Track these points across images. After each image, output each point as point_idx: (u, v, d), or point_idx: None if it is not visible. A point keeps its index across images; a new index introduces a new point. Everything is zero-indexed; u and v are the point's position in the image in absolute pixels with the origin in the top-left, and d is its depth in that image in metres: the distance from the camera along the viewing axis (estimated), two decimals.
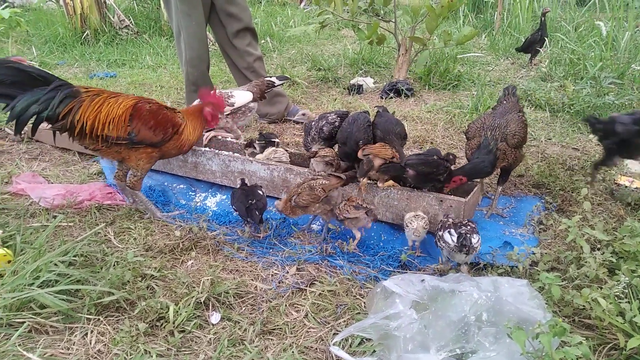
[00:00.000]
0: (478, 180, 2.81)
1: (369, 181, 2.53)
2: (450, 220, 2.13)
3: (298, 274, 2.21)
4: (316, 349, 1.77)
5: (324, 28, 5.46)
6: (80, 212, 2.69)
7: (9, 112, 2.32)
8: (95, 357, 1.74)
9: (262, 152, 2.99)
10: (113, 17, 7.82)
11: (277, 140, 3.10)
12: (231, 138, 3.27)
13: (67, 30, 7.51)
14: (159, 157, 2.64)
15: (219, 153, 2.96)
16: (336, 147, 2.85)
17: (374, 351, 1.64)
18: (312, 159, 2.71)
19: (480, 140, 2.53)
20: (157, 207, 2.73)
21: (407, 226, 2.27)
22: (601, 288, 1.76)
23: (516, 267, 2.04)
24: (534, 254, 2.08)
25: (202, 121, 2.68)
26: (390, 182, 2.52)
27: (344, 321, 1.89)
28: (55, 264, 2.03)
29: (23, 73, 2.34)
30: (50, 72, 2.49)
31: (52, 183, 3.02)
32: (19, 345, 1.75)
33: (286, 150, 2.98)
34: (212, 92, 2.70)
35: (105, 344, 1.79)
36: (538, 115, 4.22)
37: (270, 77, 3.40)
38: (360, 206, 2.33)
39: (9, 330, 1.81)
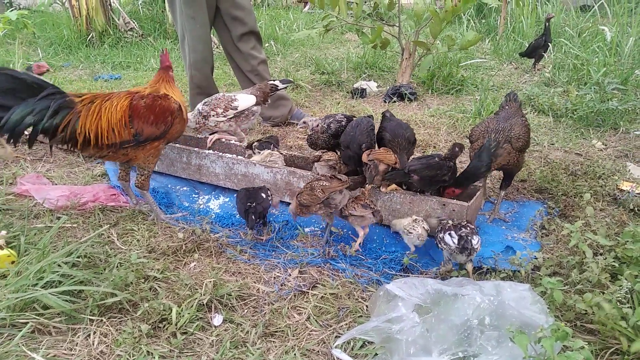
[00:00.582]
0: (480, 184, 2.82)
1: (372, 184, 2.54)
2: (450, 222, 2.14)
3: (300, 276, 2.21)
4: (318, 351, 1.77)
5: (328, 32, 5.47)
6: (84, 213, 2.70)
7: (3, 125, 2.24)
8: (98, 358, 1.75)
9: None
10: (118, 20, 7.87)
11: (272, 143, 3.10)
12: (235, 141, 3.28)
13: (73, 32, 7.55)
14: (165, 146, 2.67)
15: (222, 156, 2.98)
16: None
17: (376, 354, 1.64)
18: (315, 163, 2.71)
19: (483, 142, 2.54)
20: (160, 209, 2.74)
21: (410, 233, 2.27)
22: (603, 293, 1.76)
23: (518, 271, 2.04)
24: (536, 258, 2.09)
25: (173, 82, 2.70)
26: (393, 185, 2.53)
27: (346, 324, 1.89)
28: (59, 265, 2.05)
29: (17, 80, 2.28)
30: (44, 79, 2.45)
31: (56, 184, 3.04)
32: (23, 345, 1.76)
33: (281, 154, 2.98)
34: (167, 55, 2.73)
35: (108, 345, 1.79)
36: (541, 120, 4.22)
37: (274, 80, 3.42)
38: (368, 205, 2.34)
39: (13, 330, 1.82)
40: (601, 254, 2.07)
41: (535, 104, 4.53)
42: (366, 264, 2.30)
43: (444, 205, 2.40)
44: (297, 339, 1.83)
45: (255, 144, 3.06)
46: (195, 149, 3.08)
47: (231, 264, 2.31)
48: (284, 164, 2.92)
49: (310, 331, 1.87)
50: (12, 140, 2.29)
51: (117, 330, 1.86)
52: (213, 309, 1.97)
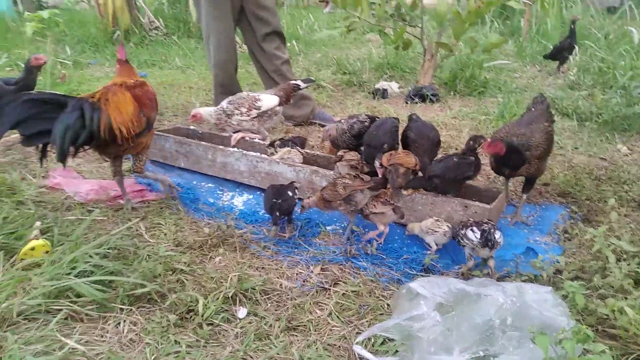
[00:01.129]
0: (503, 186, 2.83)
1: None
2: (471, 219, 2.18)
3: (322, 273, 2.26)
4: (339, 347, 1.81)
5: (350, 32, 5.51)
6: (113, 207, 2.79)
7: (56, 149, 2.30)
8: (128, 346, 1.81)
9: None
10: (143, 19, 8.03)
11: (294, 142, 3.15)
12: (258, 139, 3.34)
13: (99, 30, 7.73)
14: None
15: (246, 154, 3.04)
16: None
17: (397, 351, 1.67)
18: (337, 163, 2.75)
19: None
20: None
21: (436, 231, 2.31)
22: (626, 298, 1.76)
23: (540, 275, 2.05)
24: (558, 262, 2.09)
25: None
26: (411, 190, 2.55)
27: (367, 321, 1.92)
28: (91, 256, 2.12)
29: (38, 103, 2.31)
30: (54, 92, 2.57)
31: (86, 178, 3.13)
32: (57, 331, 1.83)
33: (301, 152, 3.03)
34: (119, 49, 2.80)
35: (137, 333, 1.86)
36: (565, 124, 4.20)
37: (296, 80, 3.47)
38: (388, 202, 2.37)
39: (47, 316, 1.89)
40: (625, 260, 2.06)
41: (559, 107, 4.50)
42: (387, 263, 2.33)
43: (466, 207, 2.42)
44: (319, 333, 1.87)
45: (278, 142, 3.11)
46: (221, 146, 3.15)
47: (255, 260, 2.36)
48: (302, 162, 2.97)
49: (332, 327, 1.92)
50: (62, 158, 2.34)
51: (146, 319, 1.92)
52: (238, 302, 2.03)
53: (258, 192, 3.00)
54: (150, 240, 2.48)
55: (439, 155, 3.19)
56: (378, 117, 3.26)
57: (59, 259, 2.09)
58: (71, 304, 1.93)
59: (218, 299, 1.99)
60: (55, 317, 1.87)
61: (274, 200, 2.51)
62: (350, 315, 1.97)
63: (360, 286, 2.14)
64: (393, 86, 5.63)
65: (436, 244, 2.35)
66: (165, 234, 2.52)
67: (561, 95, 4.68)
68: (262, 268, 2.30)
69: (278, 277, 2.23)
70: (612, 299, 1.75)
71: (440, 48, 5.31)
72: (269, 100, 3.23)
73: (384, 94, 5.29)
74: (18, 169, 3.20)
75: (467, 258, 2.16)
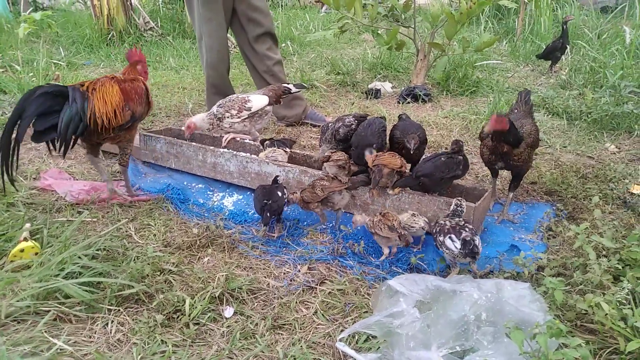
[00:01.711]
0: (490, 185, 2.86)
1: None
2: (447, 223, 2.17)
3: (309, 272, 2.28)
4: (324, 344, 1.84)
5: (343, 33, 5.53)
6: (103, 208, 2.81)
7: (59, 140, 2.45)
8: (115, 346, 1.84)
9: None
10: (138, 19, 8.03)
11: (281, 142, 3.17)
12: (249, 140, 3.36)
13: (94, 31, 7.74)
14: None
15: (236, 154, 3.06)
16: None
17: (379, 348, 1.70)
18: (325, 163, 2.78)
19: None
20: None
21: (412, 227, 2.34)
22: (604, 294, 1.79)
23: (522, 272, 2.08)
24: (540, 259, 2.12)
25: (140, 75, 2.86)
26: (398, 189, 2.58)
27: (352, 319, 1.95)
28: (80, 257, 2.14)
29: (50, 96, 2.44)
30: (61, 84, 2.68)
31: (77, 179, 3.16)
32: (45, 332, 1.85)
33: (286, 152, 3.06)
34: (134, 51, 2.86)
35: (125, 334, 1.88)
36: (555, 123, 4.23)
37: (288, 84, 3.50)
38: (395, 229, 2.32)
39: (36, 317, 1.92)
40: (606, 256, 2.09)
41: (549, 107, 4.53)
42: (374, 261, 2.36)
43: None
44: (304, 331, 1.90)
45: (267, 142, 3.14)
46: (211, 147, 3.17)
47: (243, 259, 2.39)
48: (286, 161, 2.99)
49: (317, 325, 1.94)
50: (65, 152, 2.49)
51: (133, 319, 1.95)
52: (225, 302, 2.05)
53: (248, 193, 3.02)
54: (140, 241, 2.50)
55: (428, 154, 3.23)
56: (368, 115, 3.29)
57: (48, 260, 2.11)
58: (59, 305, 1.95)
59: (205, 298, 2.01)
60: (43, 318, 1.90)
61: (265, 201, 2.54)
62: (336, 314, 2.00)
63: (346, 284, 2.17)
64: (386, 86, 5.65)
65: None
66: (154, 235, 2.55)
67: (552, 94, 4.71)
68: (250, 268, 2.33)
69: (265, 277, 2.25)
70: (590, 295, 1.78)
71: (432, 48, 5.33)
72: (258, 100, 3.25)
73: (376, 94, 5.32)
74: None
75: (451, 265, 2.18)
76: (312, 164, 3.07)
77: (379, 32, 5.62)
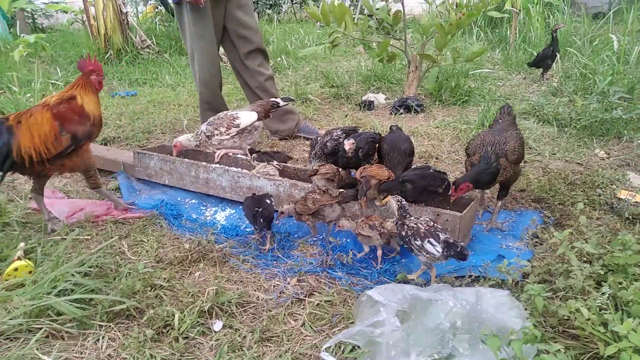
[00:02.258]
0: (478, 194, 2.90)
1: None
2: (421, 227, 2.18)
3: (298, 284, 2.31)
4: (310, 355, 1.86)
5: (335, 47, 5.60)
6: (97, 225, 2.85)
7: None
8: None
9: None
10: (135, 38, 8.15)
11: (271, 156, 3.22)
12: (241, 155, 3.42)
13: (92, 50, 7.84)
14: None
15: (228, 169, 3.11)
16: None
17: (361, 357, 1.72)
18: (313, 177, 2.82)
19: (480, 156, 2.62)
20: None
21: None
22: (585, 299, 1.82)
23: (506, 279, 2.11)
24: (525, 266, 2.15)
25: (93, 90, 2.78)
26: (389, 197, 2.61)
27: (338, 329, 1.98)
28: (72, 275, 2.18)
29: None
30: None
31: (71, 198, 3.20)
32: (37, 349, 1.89)
33: (278, 168, 3.10)
34: (88, 60, 2.77)
35: (115, 349, 1.92)
36: (545, 130, 4.27)
37: (276, 98, 3.56)
38: (375, 227, 2.41)
39: (28, 335, 1.95)
40: (590, 262, 2.12)
41: (540, 114, 4.58)
42: (362, 273, 2.39)
43: (438, 215, 2.48)
44: (291, 343, 1.93)
45: (254, 155, 3.19)
46: (203, 163, 3.22)
47: (234, 273, 2.42)
48: (278, 176, 3.04)
49: (305, 336, 1.97)
50: None
51: (124, 335, 1.98)
52: (214, 315, 2.08)
53: (240, 207, 3.06)
54: (132, 257, 2.54)
55: (419, 164, 3.28)
56: (357, 128, 3.35)
57: (41, 278, 2.15)
58: (51, 323, 1.99)
59: (194, 313, 2.05)
60: (35, 335, 1.93)
61: (256, 209, 2.59)
62: (323, 325, 2.03)
63: (334, 296, 2.20)
64: (380, 98, 5.72)
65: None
66: (147, 251, 2.59)
67: (542, 102, 4.76)
68: (240, 281, 2.36)
69: (255, 290, 2.29)
70: (572, 300, 1.81)
71: (424, 59, 5.40)
72: (247, 117, 3.31)
73: (369, 105, 5.38)
74: (6, 190, 3.27)
75: (428, 268, 2.21)
76: (304, 178, 3.12)
77: (370, 45, 5.70)
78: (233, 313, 2.11)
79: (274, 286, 2.32)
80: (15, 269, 2.27)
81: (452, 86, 5.52)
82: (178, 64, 7.59)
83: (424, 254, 2.13)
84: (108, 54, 7.75)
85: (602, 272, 2.00)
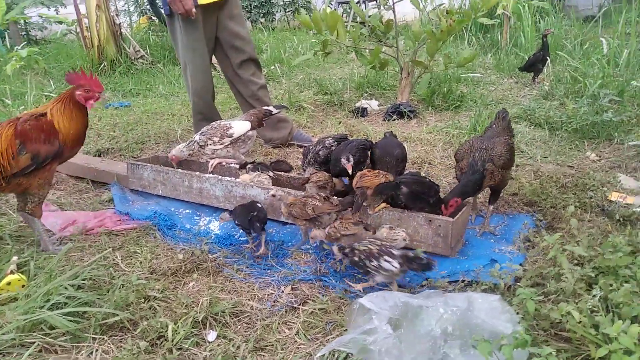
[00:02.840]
0: (470, 199, 2.91)
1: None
2: (372, 248, 2.21)
3: (292, 293, 2.32)
4: None
5: (327, 55, 5.63)
6: (91, 237, 2.85)
7: None
8: None
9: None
10: (129, 48, 8.16)
11: (260, 164, 3.22)
12: (235, 164, 3.42)
13: (85, 62, 7.86)
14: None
15: (221, 179, 3.12)
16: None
17: None
18: (306, 184, 2.84)
19: (468, 161, 2.64)
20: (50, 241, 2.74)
21: (396, 239, 2.38)
22: (576, 302, 1.83)
23: (498, 283, 2.12)
24: (517, 270, 2.16)
25: (77, 105, 2.62)
26: (382, 204, 2.63)
27: (332, 337, 1.98)
28: (65, 288, 2.18)
29: None
30: None
31: (64, 210, 3.20)
32: None
33: (269, 176, 3.10)
34: (80, 74, 2.62)
35: None
36: (536, 133, 4.30)
37: (269, 106, 3.58)
38: (360, 222, 2.44)
39: (22, 350, 1.95)
40: (581, 265, 2.14)
41: (531, 118, 4.61)
42: (356, 280, 2.39)
43: (430, 221, 2.49)
44: (285, 352, 1.93)
45: (249, 165, 3.20)
46: (197, 173, 3.23)
47: (228, 283, 2.43)
48: (270, 184, 3.05)
49: (299, 345, 1.97)
50: None
51: (117, 347, 1.98)
52: (208, 326, 2.08)
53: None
54: (126, 269, 2.54)
55: (412, 170, 3.30)
56: (349, 136, 3.37)
57: (34, 292, 2.15)
58: (44, 337, 1.98)
59: (188, 323, 2.04)
60: (28, 349, 1.93)
61: (251, 213, 2.60)
62: (317, 333, 2.03)
63: (328, 304, 2.20)
64: (373, 104, 5.75)
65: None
66: (140, 262, 2.59)
67: (534, 105, 4.79)
68: (235, 291, 2.36)
69: (249, 299, 2.29)
70: (564, 303, 1.82)
71: (416, 66, 5.44)
72: (240, 126, 3.32)
73: (363, 112, 5.40)
74: None
75: (389, 284, 2.22)
76: (297, 186, 3.13)
77: (362, 52, 5.73)
78: (227, 323, 2.11)
79: (267, 295, 2.32)
80: (8, 283, 2.27)
81: (445, 92, 5.55)
82: (172, 74, 7.61)
83: (382, 272, 2.14)
84: (102, 65, 7.76)
85: (593, 275, 2.01)
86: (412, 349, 1.53)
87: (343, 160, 2.76)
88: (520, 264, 2.35)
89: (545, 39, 5.96)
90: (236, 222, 2.68)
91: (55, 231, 2.88)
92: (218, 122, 3.44)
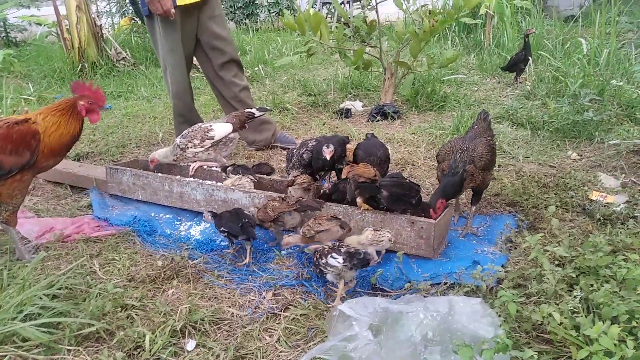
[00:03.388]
0: (452, 201, 2.90)
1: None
2: (326, 247, 2.25)
3: (274, 299, 2.28)
4: None
5: (311, 56, 5.60)
6: (68, 245, 2.78)
7: None
8: None
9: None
10: (110, 50, 8.05)
11: (241, 167, 3.18)
12: (216, 167, 3.38)
13: (66, 64, 7.73)
14: (33, 177, 2.54)
15: (202, 183, 3.07)
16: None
17: None
18: (289, 187, 2.81)
19: (449, 163, 2.63)
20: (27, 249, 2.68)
21: (381, 241, 2.36)
22: (558, 303, 1.82)
23: (480, 285, 2.11)
24: (499, 272, 2.15)
25: (74, 115, 2.54)
26: (365, 205, 2.61)
27: (314, 344, 1.95)
28: (40, 298, 2.12)
29: None
30: None
31: (41, 217, 3.13)
32: None
33: (252, 180, 3.06)
34: (87, 84, 2.55)
35: None
36: (519, 133, 4.32)
37: (251, 108, 3.54)
38: (334, 218, 2.42)
39: None
40: (562, 265, 2.14)
41: (513, 118, 4.63)
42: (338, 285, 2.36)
43: (413, 223, 2.48)
44: None
45: (229, 168, 3.15)
46: (177, 177, 3.18)
47: (208, 289, 2.38)
48: (252, 188, 3.01)
49: (279, 352, 1.94)
50: None
51: (92, 358, 1.93)
52: (187, 334, 2.04)
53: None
54: (104, 277, 2.48)
55: (395, 171, 3.30)
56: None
57: (6, 302, 2.08)
58: (16, 349, 1.92)
59: (166, 333, 2.00)
60: None
61: (243, 220, 2.57)
62: (298, 339, 2.00)
63: (310, 309, 2.17)
64: (357, 105, 5.73)
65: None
66: (119, 270, 2.53)
67: (516, 105, 4.82)
68: (215, 298, 2.32)
69: (229, 306, 2.25)
70: (545, 305, 1.81)
71: (399, 67, 5.43)
72: (221, 128, 3.28)
73: (347, 113, 5.39)
74: None
75: (336, 283, 2.23)
76: (280, 189, 3.09)
77: (346, 53, 5.71)
78: (206, 331, 2.07)
79: (249, 301, 2.28)
80: None
81: (428, 92, 5.55)
82: (154, 76, 7.51)
83: (329, 269, 2.16)
84: (82, 67, 7.64)
85: (574, 275, 2.01)
86: (393, 355, 1.50)
87: (323, 147, 2.79)
88: (502, 265, 2.35)
89: (527, 39, 6.00)
90: (223, 228, 2.62)
91: (32, 239, 2.81)
92: (199, 124, 3.39)
